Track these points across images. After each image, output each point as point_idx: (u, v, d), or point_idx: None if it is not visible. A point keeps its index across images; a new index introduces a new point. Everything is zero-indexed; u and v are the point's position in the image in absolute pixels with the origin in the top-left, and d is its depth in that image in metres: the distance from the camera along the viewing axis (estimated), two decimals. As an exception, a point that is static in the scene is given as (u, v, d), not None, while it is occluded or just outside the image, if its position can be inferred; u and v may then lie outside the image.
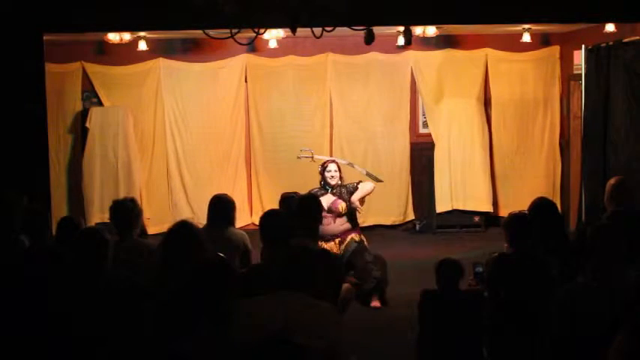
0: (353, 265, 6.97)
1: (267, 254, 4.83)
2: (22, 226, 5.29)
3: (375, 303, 6.98)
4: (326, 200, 7.15)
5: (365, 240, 7.28)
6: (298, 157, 7.42)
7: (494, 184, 10.37)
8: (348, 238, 7.12)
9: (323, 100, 10.36)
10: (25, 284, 4.16)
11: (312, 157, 7.63)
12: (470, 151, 10.23)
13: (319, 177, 7.45)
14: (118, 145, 9.70)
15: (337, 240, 7.10)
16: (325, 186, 7.33)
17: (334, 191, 7.27)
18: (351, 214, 7.25)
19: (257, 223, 5.77)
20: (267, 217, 4.89)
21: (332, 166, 7.38)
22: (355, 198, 7.22)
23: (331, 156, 9.99)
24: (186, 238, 4.32)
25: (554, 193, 10.24)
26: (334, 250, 6.94)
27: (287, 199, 6.59)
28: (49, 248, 4.93)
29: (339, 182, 7.33)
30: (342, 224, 7.18)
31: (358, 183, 7.40)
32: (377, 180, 7.99)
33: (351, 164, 7.77)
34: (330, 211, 7.12)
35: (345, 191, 7.28)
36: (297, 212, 5.49)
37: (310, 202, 5.83)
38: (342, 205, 7.17)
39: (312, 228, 5.51)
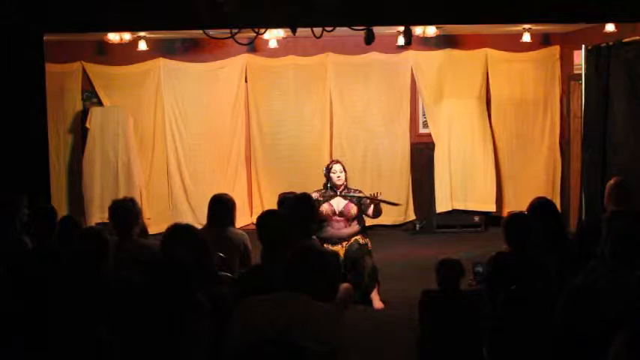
0: (352, 266, 6.94)
1: (266, 255, 4.82)
2: (29, 226, 5.30)
3: (378, 304, 6.97)
4: (336, 204, 7.08)
5: (369, 243, 7.16)
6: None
7: (496, 184, 10.37)
8: (352, 239, 7.06)
9: (323, 100, 10.36)
10: (25, 284, 4.16)
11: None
12: (470, 151, 10.23)
13: (324, 179, 7.29)
14: (118, 145, 9.70)
15: (344, 243, 7.02)
16: (332, 187, 7.17)
17: (343, 193, 7.14)
18: (360, 217, 7.18)
19: (257, 223, 5.75)
20: (265, 217, 4.88)
21: (337, 167, 7.20)
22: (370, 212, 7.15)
23: (331, 155, 10.04)
24: (183, 240, 4.32)
25: (554, 193, 10.25)
26: (341, 254, 6.86)
27: (286, 199, 6.57)
28: (49, 248, 4.95)
29: (345, 183, 7.22)
30: (353, 227, 7.09)
31: (364, 198, 7.13)
32: (394, 204, 7.68)
33: (359, 193, 7.47)
34: (342, 214, 7.05)
35: (355, 197, 7.14)
36: (292, 212, 5.48)
37: (305, 201, 5.82)
38: (354, 210, 7.07)
39: (308, 227, 5.50)
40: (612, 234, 4.08)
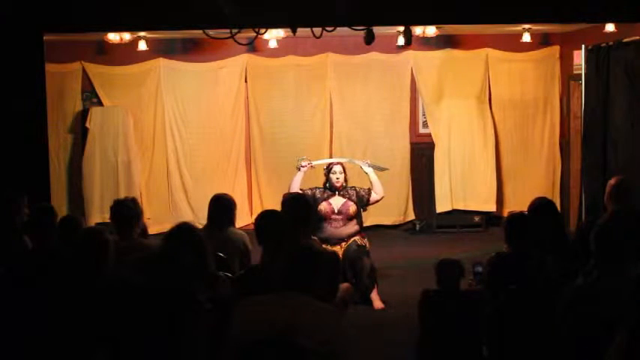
0: (351, 267, 6.94)
1: (265, 255, 4.82)
2: (29, 226, 5.30)
3: (378, 304, 6.97)
4: (335, 202, 7.09)
5: (368, 244, 7.16)
6: (298, 169, 7.24)
7: (496, 184, 10.37)
8: (351, 240, 7.07)
9: (323, 100, 10.36)
10: (25, 284, 4.16)
11: (312, 165, 7.47)
12: (470, 151, 10.24)
13: (324, 178, 7.31)
14: (118, 145, 9.71)
15: (343, 244, 7.02)
16: (330, 187, 7.18)
17: (341, 193, 7.15)
18: (358, 216, 7.19)
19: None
20: (263, 217, 4.87)
21: (337, 168, 7.22)
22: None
23: (331, 156, 10.02)
24: (186, 241, 4.31)
25: (554, 193, 10.25)
26: (339, 254, 6.84)
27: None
28: (49, 248, 4.94)
29: (344, 184, 7.23)
30: (352, 227, 7.09)
31: (369, 189, 7.25)
32: (381, 169, 7.76)
33: (351, 161, 7.73)
34: (340, 213, 7.06)
35: (354, 193, 7.17)
36: (290, 211, 5.47)
37: (302, 200, 5.81)
38: (352, 208, 7.08)
39: (307, 227, 5.49)
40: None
